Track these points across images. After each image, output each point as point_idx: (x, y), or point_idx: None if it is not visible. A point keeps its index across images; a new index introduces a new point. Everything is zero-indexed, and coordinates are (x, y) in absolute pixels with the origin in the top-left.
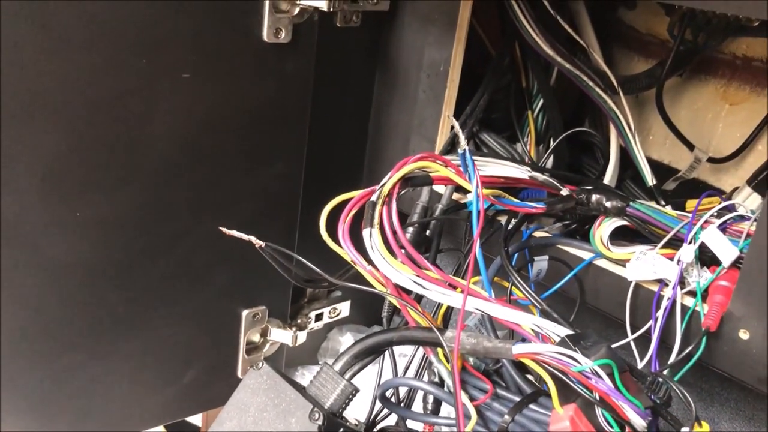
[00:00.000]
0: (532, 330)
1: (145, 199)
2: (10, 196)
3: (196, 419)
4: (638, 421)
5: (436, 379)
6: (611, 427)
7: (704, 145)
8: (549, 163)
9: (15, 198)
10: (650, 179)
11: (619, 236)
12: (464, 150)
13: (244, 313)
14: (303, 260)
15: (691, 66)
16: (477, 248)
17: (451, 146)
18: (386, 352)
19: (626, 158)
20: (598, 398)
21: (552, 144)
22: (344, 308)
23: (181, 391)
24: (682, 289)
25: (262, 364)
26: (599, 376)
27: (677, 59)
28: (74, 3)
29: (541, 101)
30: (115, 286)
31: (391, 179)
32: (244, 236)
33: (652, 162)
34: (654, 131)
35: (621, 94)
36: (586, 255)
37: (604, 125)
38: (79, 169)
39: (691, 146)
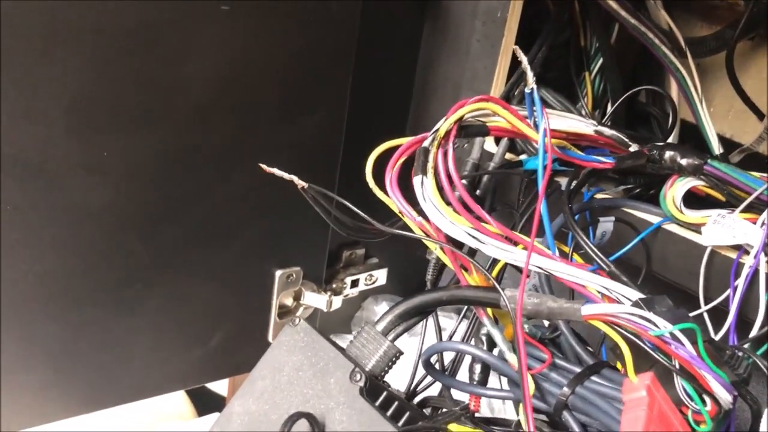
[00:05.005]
0: (599, 292)
1: (175, 144)
2: (34, 126)
3: (221, 388)
4: (724, 395)
5: (485, 348)
6: (691, 399)
7: None
8: None
9: (39, 129)
10: (717, 148)
11: (685, 204)
12: (532, 89)
13: (278, 273)
14: (346, 203)
15: (764, 29)
16: (542, 202)
17: (506, 101)
18: (429, 319)
19: (685, 133)
20: (678, 366)
21: (610, 108)
22: (381, 276)
23: (207, 354)
24: (765, 257)
25: (299, 320)
26: (680, 342)
27: (750, 20)
28: None
29: (600, 61)
30: (140, 236)
31: (447, 120)
32: (286, 175)
33: None
34: (716, 103)
35: (689, 56)
36: (654, 219)
37: (662, 94)
38: (106, 104)
39: (761, 116)
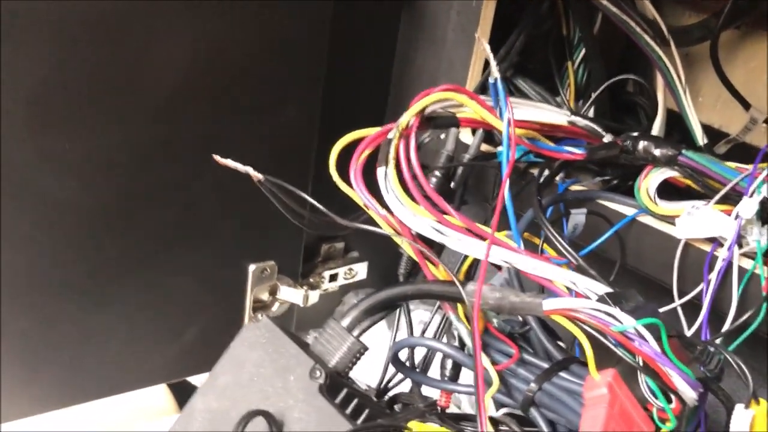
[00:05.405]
0: (566, 287)
1: (143, 138)
2: None
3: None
4: (689, 392)
5: (456, 344)
6: (655, 397)
7: (760, 108)
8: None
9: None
10: (701, 138)
11: (663, 196)
12: (495, 79)
13: (252, 267)
14: (303, 195)
15: (749, 18)
16: (506, 191)
17: (482, 91)
18: (401, 315)
19: (672, 123)
20: (641, 363)
21: (591, 98)
22: (361, 270)
23: (182, 350)
24: (739, 249)
25: (263, 317)
26: (644, 338)
27: (735, 8)
28: None
29: (583, 51)
30: (111, 230)
31: (409, 111)
32: (240, 167)
33: (701, 125)
34: (704, 92)
35: (672, 45)
36: (629, 211)
37: (649, 83)
38: (68, 96)
39: (747, 106)
